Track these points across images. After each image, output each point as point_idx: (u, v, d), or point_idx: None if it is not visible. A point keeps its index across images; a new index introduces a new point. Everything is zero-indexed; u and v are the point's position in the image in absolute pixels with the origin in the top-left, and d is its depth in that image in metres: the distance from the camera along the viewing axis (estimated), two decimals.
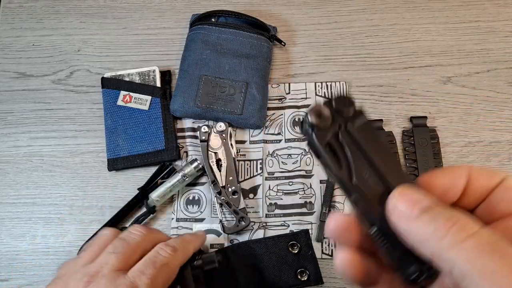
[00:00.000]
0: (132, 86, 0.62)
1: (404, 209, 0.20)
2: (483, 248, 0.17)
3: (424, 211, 0.20)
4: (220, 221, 0.56)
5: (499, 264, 0.17)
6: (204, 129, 0.59)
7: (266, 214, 0.58)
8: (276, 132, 0.61)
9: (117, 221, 0.57)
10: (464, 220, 0.19)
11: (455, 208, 0.20)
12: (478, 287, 0.17)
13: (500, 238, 0.18)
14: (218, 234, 0.57)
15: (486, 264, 0.17)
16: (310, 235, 0.54)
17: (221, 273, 0.53)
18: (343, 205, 0.58)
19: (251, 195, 0.59)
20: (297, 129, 0.61)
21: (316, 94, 0.62)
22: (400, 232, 0.21)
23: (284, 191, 0.59)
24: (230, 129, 0.60)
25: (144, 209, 0.58)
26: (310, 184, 0.59)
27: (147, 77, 0.63)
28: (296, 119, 0.62)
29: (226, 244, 0.56)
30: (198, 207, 0.58)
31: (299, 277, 0.52)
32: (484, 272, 0.17)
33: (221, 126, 0.59)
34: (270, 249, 0.53)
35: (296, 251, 0.53)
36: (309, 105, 0.62)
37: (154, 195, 0.57)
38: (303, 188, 0.59)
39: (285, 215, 0.58)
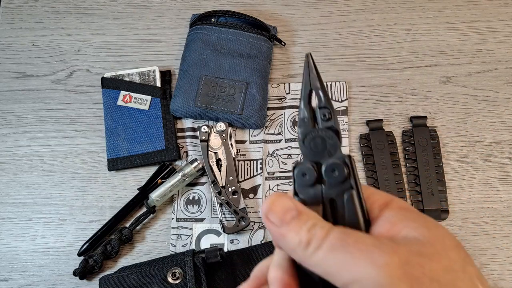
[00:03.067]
0: (132, 86, 0.62)
1: (274, 219, 0.23)
2: (332, 247, 0.21)
3: (291, 220, 0.22)
4: (220, 221, 0.56)
5: (345, 257, 0.20)
6: (204, 129, 0.59)
7: None
8: (276, 132, 0.61)
9: (117, 221, 0.57)
10: (318, 228, 0.22)
11: (315, 215, 0.23)
12: (338, 279, 0.20)
13: (343, 235, 0.21)
14: (218, 234, 0.57)
15: (336, 259, 0.20)
16: None
17: (222, 269, 0.53)
18: None
19: (251, 195, 0.59)
20: (297, 129, 0.61)
21: None
22: (272, 236, 0.23)
23: (284, 191, 0.59)
24: (230, 129, 0.60)
25: (144, 209, 0.58)
26: None
27: (147, 77, 0.63)
28: (296, 119, 0.62)
29: (226, 244, 0.56)
30: (198, 207, 0.58)
31: None
32: (337, 266, 0.20)
33: (221, 126, 0.59)
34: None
35: None
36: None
37: (154, 195, 0.57)
38: None
39: None
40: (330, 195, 0.24)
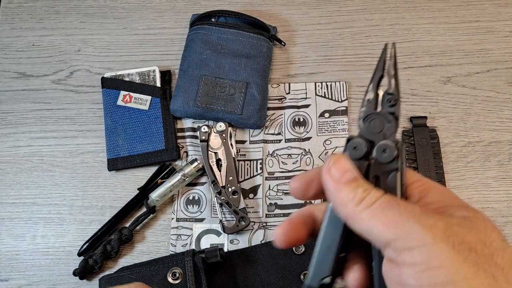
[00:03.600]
0: (132, 86, 0.62)
1: (335, 174, 0.25)
2: (383, 206, 0.23)
3: (349, 180, 0.24)
4: (220, 221, 0.56)
5: (394, 215, 0.22)
6: (204, 129, 0.59)
7: (266, 214, 0.58)
8: (276, 132, 0.61)
9: (117, 221, 0.57)
10: (373, 191, 0.24)
11: (368, 182, 0.25)
12: (381, 235, 0.22)
13: (394, 199, 0.23)
14: (218, 234, 0.57)
15: (385, 216, 0.22)
16: None
17: (222, 269, 0.53)
18: None
19: (251, 195, 0.59)
20: (297, 129, 0.61)
21: (316, 94, 0.62)
22: (326, 189, 0.25)
23: (284, 191, 0.59)
24: (230, 129, 0.60)
25: (144, 209, 0.58)
26: None
27: (147, 77, 0.63)
28: (296, 119, 0.62)
29: (226, 244, 0.56)
30: (198, 207, 0.58)
31: (303, 278, 0.52)
32: (384, 223, 0.22)
33: (221, 126, 0.59)
34: (275, 251, 0.53)
35: (301, 252, 0.53)
36: (309, 105, 0.62)
37: (154, 195, 0.57)
38: None
39: (285, 215, 0.58)
40: (376, 172, 0.26)
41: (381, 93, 0.27)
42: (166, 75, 0.64)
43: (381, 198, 0.23)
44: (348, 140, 0.27)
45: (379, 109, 0.27)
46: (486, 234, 0.22)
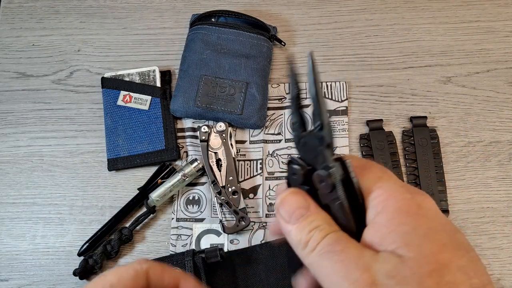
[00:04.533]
0: (132, 86, 0.62)
1: (284, 215, 0.24)
2: (323, 252, 0.22)
3: (297, 219, 0.23)
4: (220, 221, 0.56)
5: (329, 265, 0.21)
6: (204, 129, 0.59)
7: (266, 214, 0.58)
8: (276, 132, 0.61)
9: (117, 221, 0.57)
10: (317, 232, 0.23)
11: (319, 212, 0.24)
12: (322, 283, 0.22)
13: (336, 241, 0.22)
14: (218, 234, 0.57)
15: (322, 267, 0.22)
16: None
17: (222, 269, 0.53)
18: None
19: (251, 195, 0.59)
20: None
21: None
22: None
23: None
24: (230, 129, 0.60)
25: (144, 209, 0.58)
26: None
27: (147, 77, 0.63)
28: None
29: (226, 244, 0.56)
30: (198, 207, 0.58)
31: None
32: (322, 272, 0.22)
33: (221, 126, 0.59)
34: (275, 251, 0.53)
35: None
36: (309, 105, 0.62)
37: (154, 195, 0.57)
38: None
39: None
40: (324, 200, 0.24)
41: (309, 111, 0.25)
42: (166, 75, 0.64)
43: (322, 241, 0.22)
44: (289, 162, 0.25)
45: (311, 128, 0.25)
46: (419, 284, 0.20)
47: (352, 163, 0.24)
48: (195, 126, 0.62)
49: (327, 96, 0.62)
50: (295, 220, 0.23)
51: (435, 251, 0.21)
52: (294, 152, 0.60)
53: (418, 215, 0.22)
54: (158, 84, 0.62)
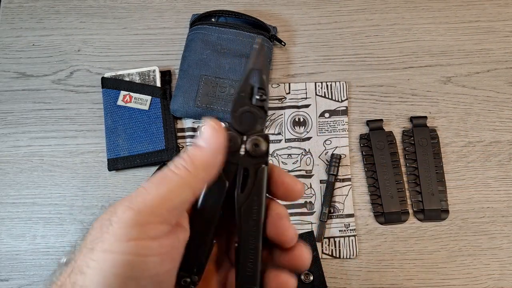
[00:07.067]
0: (132, 86, 0.62)
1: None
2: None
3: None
4: None
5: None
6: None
7: None
8: (276, 132, 0.61)
9: None
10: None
11: None
12: None
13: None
14: None
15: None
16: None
17: None
18: (343, 205, 0.58)
19: None
20: (297, 129, 0.61)
21: (316, 94, 0.62)
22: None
23: None
24: None
25: None
26: (310, 184, 0.59)
27: (147, 77, 0.63)
28: (296, 119, 0.62)
29: None
30: None
31: (303, 278, 0.52)
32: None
33: None
34: None
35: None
36: (309, 105, 0.62)
37: None
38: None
39: None
40: (246, 164, 0.28)
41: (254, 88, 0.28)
42: (166, 75, 0.64)
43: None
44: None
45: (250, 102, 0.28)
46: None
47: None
48: (195, 126, 0.62)
49: (327, 96, 0.62)
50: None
51: None
52: (294, 152, 0.60)
53: None
54: (158, 84, 0.62)
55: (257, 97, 0.27)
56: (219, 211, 0.27)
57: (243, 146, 0.28)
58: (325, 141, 0.61)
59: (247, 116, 0.28)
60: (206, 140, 0.26)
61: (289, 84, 0.63)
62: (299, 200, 0.58)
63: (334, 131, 0.61)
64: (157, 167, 0.59)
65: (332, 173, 0.58)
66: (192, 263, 0.27)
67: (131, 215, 0.23)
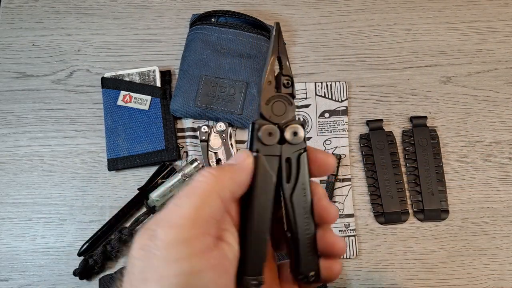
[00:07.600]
0: (132, 86, 0.62)
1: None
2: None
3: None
4: None
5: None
6: (204, 129, 0.59)
7: None
8: None
9: (117, 221, 0.57)
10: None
11: None
12: None
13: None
14: None
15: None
16: None
17: None
18: (343, 205, 0.58)
19: None
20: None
21: (316, 94, 0.62)
22: None
23: None
24: (230, 129, 0.60)
25: (144, 209, 0.58)
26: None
27: (147, 77, 0.63)
28: (296, 119, 0.62)
29: None
30: None
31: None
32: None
33: (221, 126, 0.59)
34: None
35: None
36: (309, 105, 0.62)
37: (154, 195, 0.57)
38: None
39: None
40: (287, 154, 0.28)
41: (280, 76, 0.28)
42: (166, 75, 0.64)
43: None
44: (254, 124, 0.27)
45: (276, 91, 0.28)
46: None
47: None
48: (195, 126, 0.62)
49: (327, 96, 0.62)
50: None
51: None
52: None
53: None
54: (158, 84, 0.62)
55: (285, 83, 0.28)
56: (272, 207, 0.27)
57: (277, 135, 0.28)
58: (325, 141, 0.61)
59: (278, 105, 0.28)
60: (235, 159, 0.27)
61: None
62: None
63: (334, 131, 0.61)
64: (157, 167, 0.59)
65: (332, 173, 0.58)
66: (256, 264, 0.26)
67: (174, 233, 0.22)
